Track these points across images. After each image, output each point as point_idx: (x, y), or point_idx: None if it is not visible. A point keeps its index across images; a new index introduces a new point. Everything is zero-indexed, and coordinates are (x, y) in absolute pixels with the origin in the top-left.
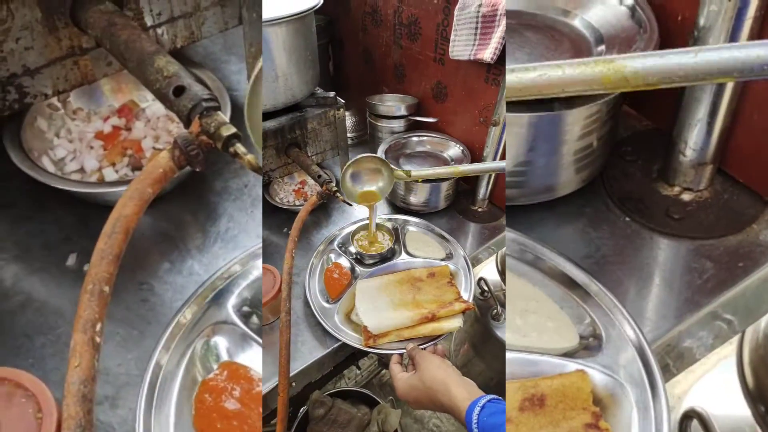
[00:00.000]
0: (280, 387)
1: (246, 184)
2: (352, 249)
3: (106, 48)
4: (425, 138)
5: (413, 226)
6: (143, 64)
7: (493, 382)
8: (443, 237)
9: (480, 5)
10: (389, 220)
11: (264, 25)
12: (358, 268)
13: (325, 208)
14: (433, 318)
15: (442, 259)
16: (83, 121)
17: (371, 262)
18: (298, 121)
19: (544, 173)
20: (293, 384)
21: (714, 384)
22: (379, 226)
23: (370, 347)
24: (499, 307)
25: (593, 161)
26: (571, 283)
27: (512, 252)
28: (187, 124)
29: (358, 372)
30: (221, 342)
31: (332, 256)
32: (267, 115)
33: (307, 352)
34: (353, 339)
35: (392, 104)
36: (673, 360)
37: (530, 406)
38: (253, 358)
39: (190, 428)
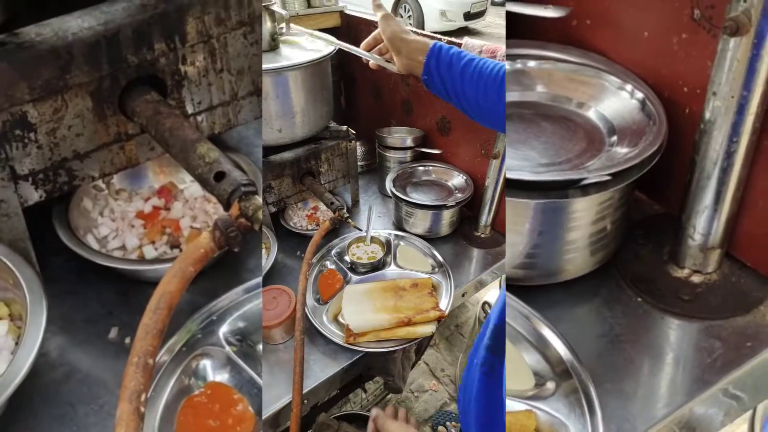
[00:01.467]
0: (294, 402)
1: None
2: (347, 258)
3: (151, 134)
4: (431, 167)
5: (404, 241)
6: (186, 150)
7: None
8: (432, 253)
9: (481, 51)
10: (384, 234)
11: (286, 70)
12: (351, 275)
13: (336, 232)
14: (409, 322)
15: (428, 273)
16: (125, 201)
17: (363, 270)
18: (313, 152)
19: (558, 256)
20: (305, 401)
21: None
22: (373, 239)
23: (350, 344)
24: None
25: (607, 244)
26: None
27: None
28: (226, 207)
29: (363, 396)
30: (209, 365)
31: (328, 263)
32: (285, 147)
33: (319, 370)
34: (337, 337)
35: (400, 136)
36: None
37: None
38: (236, 381)
39: None
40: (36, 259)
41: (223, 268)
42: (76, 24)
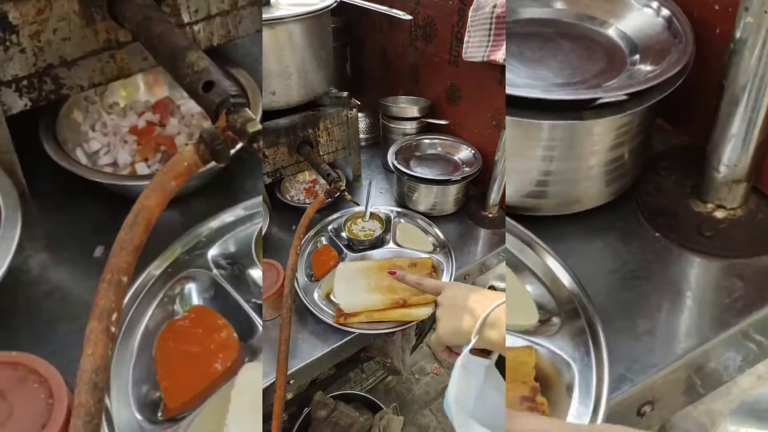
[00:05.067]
0: (278, 383)
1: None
2: (344, 234)
3: (141, 42)
4: (437, 140)
5: (405, 218)
6: (175, 58)
7: None
8: (434, 232)
9: (495, 6)
10: (384, 210)
11: (280, 23)
12: (347, 253)
13: (333, 207)
14: (404, 304)
15: (429, 253)
16: (118, 116)
17: (360, 248)
18: (311, 119)
19: (571, 184)
20: (291, 381)
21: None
22: (372, 215)
23: (340, 324)
24: None
25: (624, 174)
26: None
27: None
28: (214, 119)
29: (363, 376)
30: (195, 288)
31: (323, 239)
32: (281, 113)
33: (308, 350)
34: (328, 316)
35: (405, 106)
36: (700, 380)
37: None
38: (222, 306)
39: (150, 361)
40: (22, 172)
41: (218, 189)
42: None
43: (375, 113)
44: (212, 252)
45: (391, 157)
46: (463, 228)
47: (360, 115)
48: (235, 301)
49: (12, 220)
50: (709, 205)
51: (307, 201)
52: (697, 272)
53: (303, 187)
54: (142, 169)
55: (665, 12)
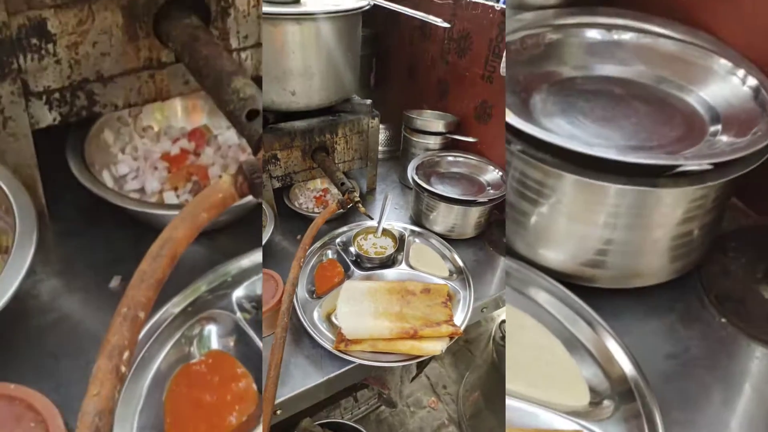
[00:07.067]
0: (264, 413)
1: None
2: (353, 249)
3: (185, 63)
4: (461, 159)
5: (421, 238)
6: (220, 82)
7: None
8: (451, 256)
9: None
10: (398, 227)
11: (309, 18)
12: (354, 270)
13: (344, 219)
14: (414, 335)
15: (444, 279)
16: (151, 140)
17: (369, 266)
18: (330, 124)
19: (633, 257)
20: (277, 412)
21: None
22: (385, 231)
23: (340, 351)
24: None
25: (691, 251)
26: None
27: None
28: (255, 150)
29: (355, 403)
30: (215, 331)
31: (329, 252)
32: (298, 115)
33: (300, 377)
34: (327, 340)
35: (430, 119)
36: None
37: None
38: (243, 354)
39: (160, 407)
40: (43, 191)
41: (249, 226)
42: None
43: (396, 127)
44: (238, 293)
45: (411, 171)
46: (482, 255)
47: (381, 127)
48: (258, 348)
49: (26, 240)
50: None
51: (317, 210)
52: (764, 366)
53: (313, 195)
54: (170, 198)
55: (752, 81)
